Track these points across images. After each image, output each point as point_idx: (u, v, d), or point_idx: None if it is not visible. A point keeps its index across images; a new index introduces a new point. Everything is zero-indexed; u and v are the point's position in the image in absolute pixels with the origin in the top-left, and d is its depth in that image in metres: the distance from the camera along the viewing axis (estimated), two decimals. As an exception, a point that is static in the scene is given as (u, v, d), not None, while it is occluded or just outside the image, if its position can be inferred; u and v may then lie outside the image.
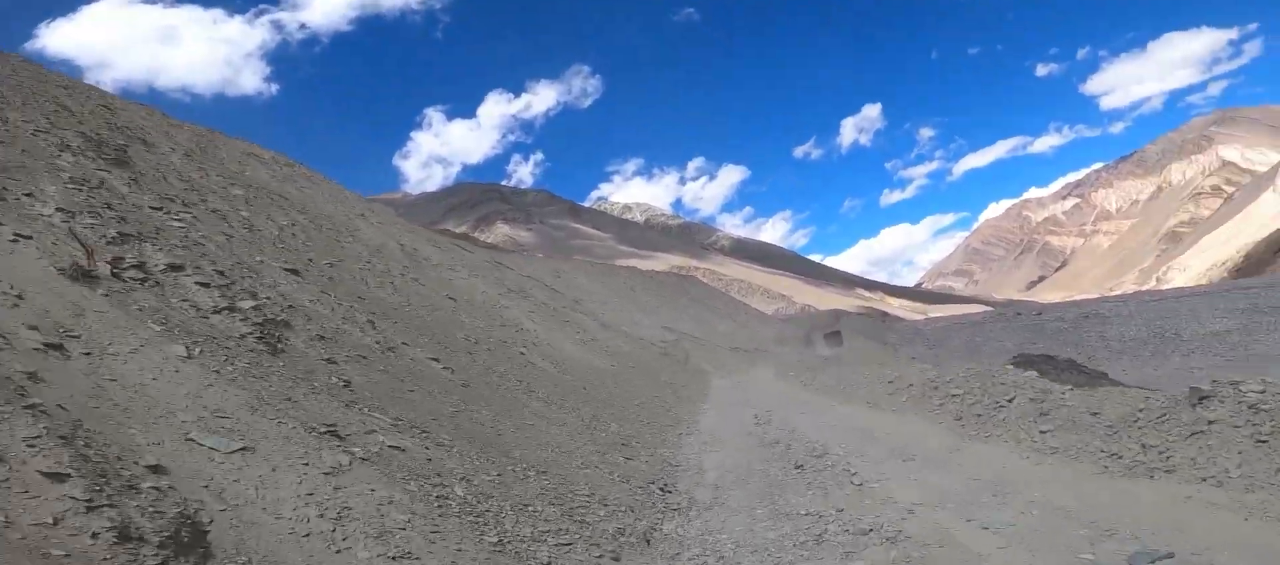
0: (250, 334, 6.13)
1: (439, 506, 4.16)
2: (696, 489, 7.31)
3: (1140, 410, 6.72)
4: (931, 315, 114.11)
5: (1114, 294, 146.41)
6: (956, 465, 6.92)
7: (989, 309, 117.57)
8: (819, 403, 15.67)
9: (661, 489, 7.15)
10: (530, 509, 4.95)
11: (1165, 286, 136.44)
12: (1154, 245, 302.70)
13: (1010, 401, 9.68)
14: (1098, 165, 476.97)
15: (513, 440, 7.08)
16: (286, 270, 9.73)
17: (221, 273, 7.43)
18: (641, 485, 7.11)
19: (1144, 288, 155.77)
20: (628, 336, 36.63)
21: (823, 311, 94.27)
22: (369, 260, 16.08)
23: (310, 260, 12.05)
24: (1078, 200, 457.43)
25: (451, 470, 4.94)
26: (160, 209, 9.06)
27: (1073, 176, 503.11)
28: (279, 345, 6.34)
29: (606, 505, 5.99)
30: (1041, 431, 7.26)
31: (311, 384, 5.80)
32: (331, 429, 4.57)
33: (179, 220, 9.12)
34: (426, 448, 5.25)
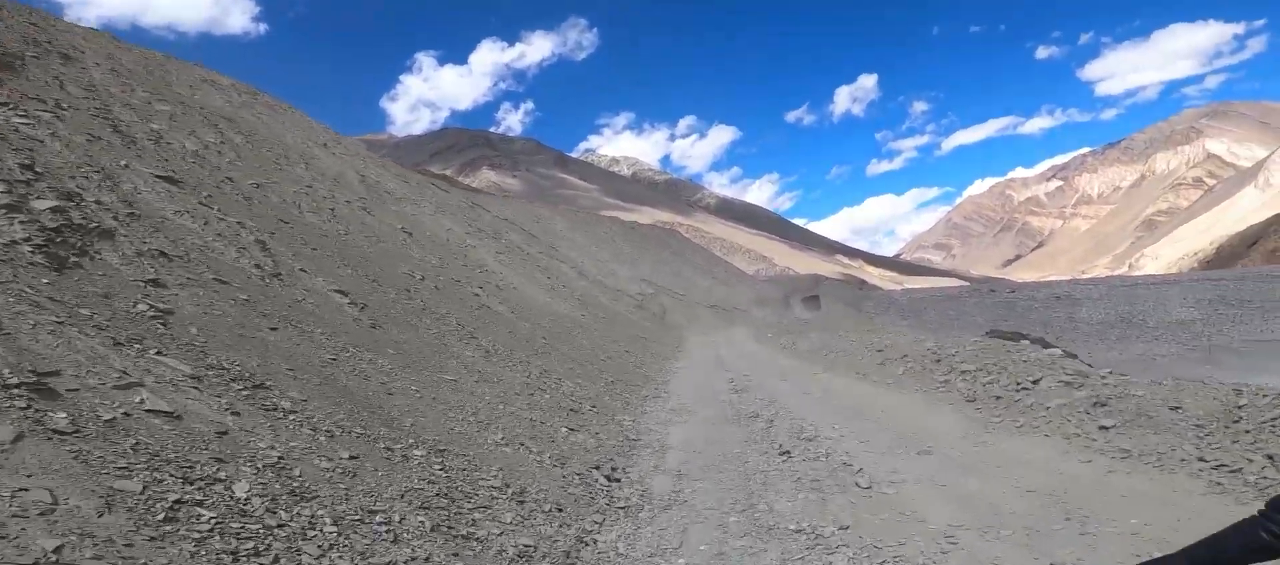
0: (26, 240, 4.26)
1: (166, 519, 2.36)
2: (653, 477, 5.62)
3: (1240, 407, 5.14)
4: (906, 287, 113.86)
5: (1085, 277, 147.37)
6: (992, 466, 5.29)
7: (964, 284, 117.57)
8: (802, 370, 14.16)
9: (607, 477, 5.44)
10: (378, 515, 3.19)
11: (1136, 273, 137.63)
12: (1130, 232, 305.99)
13: (1035, 383, 8.09)
14: (1084, 150, 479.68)
15: (409, 403, 5.27)
16: (158, 177, 7.73)
17: (31, 168, 5.46)
18: (581, 471, 5.39)
19: (1115, 272, 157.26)
20: (604, 287, 34.78)
21: (802, 275, 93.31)
22: (311, 185, 14.14)
23: (229, 179, 10.06)
24: (1061, 183, 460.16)
25: (258, 450, 3.15)
26: (9, 105, 6.99)
27: (1059, 159, 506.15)
28: (72, 258, 4.46)
29: (522, 503, 4.26)
30: (1101, 427, 5.63)
31: (107, 311, 3.96)
32: (42, 380, 2.76)
33: (26, 119, 7.08)
34: (236, 413, 3.43)
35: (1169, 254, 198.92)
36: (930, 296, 60.77)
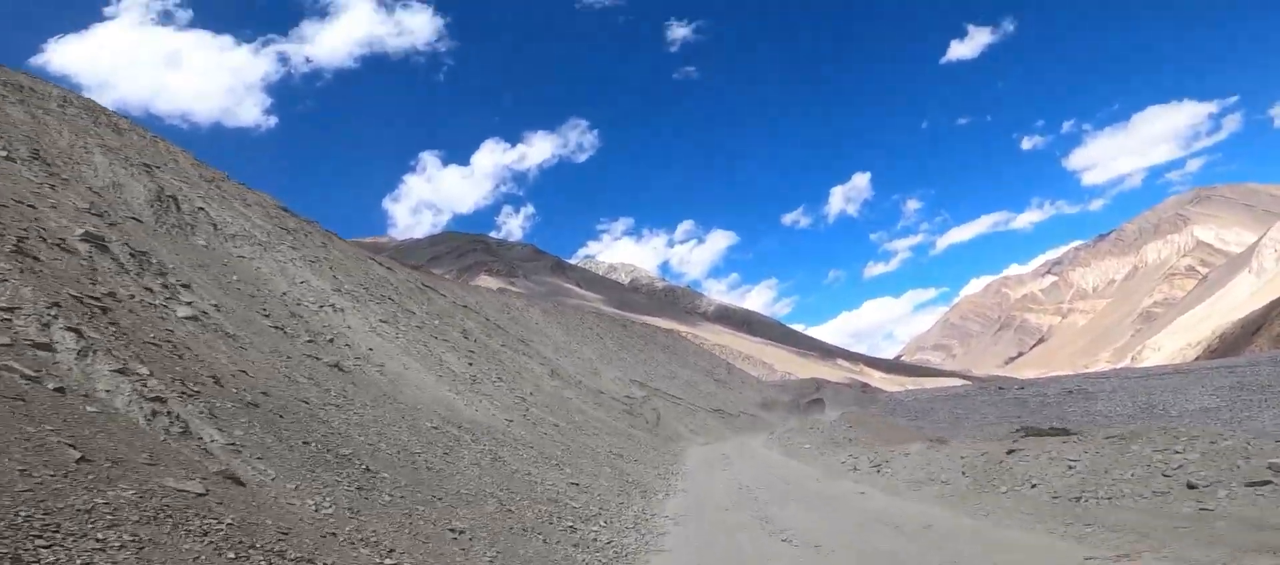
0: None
1: None
2: None
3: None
4: (908, 388, 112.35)
5: (1089, 371, 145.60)
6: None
7: (967, 383, 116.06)
8: (885, 503, 10.64)
9: None
10: None
11: (1141, 365, 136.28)
12: (1129, 325, 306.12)
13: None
14: (1076, 243, 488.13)
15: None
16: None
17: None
18: None
19: (1119, 366, 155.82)
20: (584, 389, 30.38)
21: (804, 380, 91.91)
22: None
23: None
24: (1055, 278, 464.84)
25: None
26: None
27: (1052, 254, 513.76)
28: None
29: None
30: None
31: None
32: None
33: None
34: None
35: (1171, 345, 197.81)
36: (937, 396, 59.61)
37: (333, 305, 16.00)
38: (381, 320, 17.71)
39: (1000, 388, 62.87)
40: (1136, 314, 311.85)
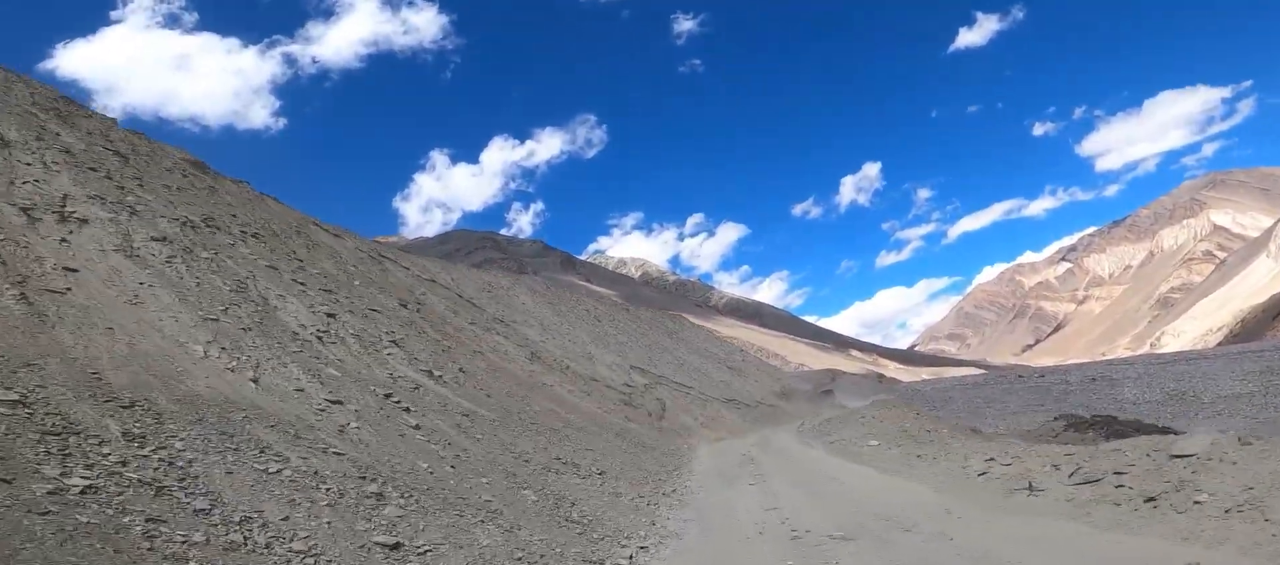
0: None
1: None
2: None
3: None
4: (923, 378, 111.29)
5: (1108, 358, 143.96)
6: None
7: (983, 372, 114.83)
8: (970, 514, 7.92)
9: None
10: None
11: (1162, 351, 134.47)
12: (1146, 311, 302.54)
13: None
14: (1090, 229, 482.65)
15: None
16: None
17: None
18: None
19: (1138, 352, 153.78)
20: (573, 375, 26.74)
21: (820, 371, 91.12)
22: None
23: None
24: (1070, 265, 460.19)
25: None
26: None
27: (1066, 240, 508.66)
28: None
29: None
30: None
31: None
32: None
33: None
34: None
35: (1191, 330, 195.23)
36: (954, 386, 58.73)
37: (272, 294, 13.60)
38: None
39: (1019, 376, 61.94)
40: (1154, 300, 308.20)
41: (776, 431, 26.43)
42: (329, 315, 13.77)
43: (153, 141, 18.55)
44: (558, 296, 52.48)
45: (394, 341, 14.90)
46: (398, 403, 10.86)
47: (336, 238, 24.26)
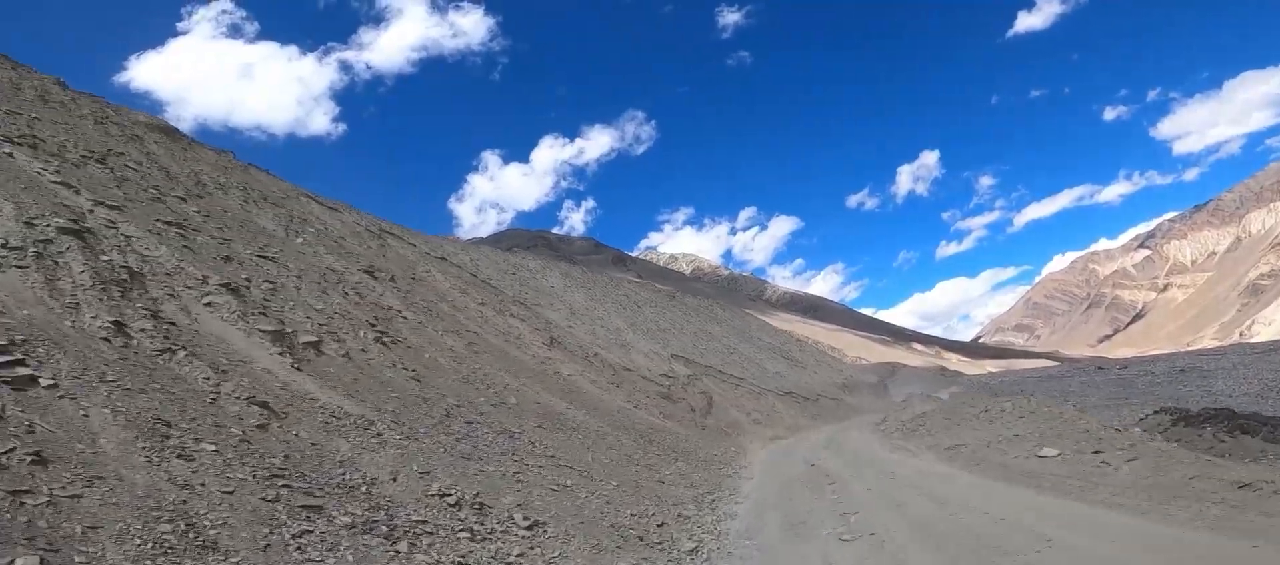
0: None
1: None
2: None
3: None
4: (990, 370, 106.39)
5: (1194, 348, 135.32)
6: None
7: (1056, 364, 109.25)
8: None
9: None
10: None
11: (1254, 341, 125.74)
12: (1234, 299, 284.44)
13: None
14: (1170, 214, 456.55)
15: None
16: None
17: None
18: None
19: (1227, 342, 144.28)
20: (600, 363, 23.90)
21: (881, 364, 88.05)
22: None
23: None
24: (1149, 252, 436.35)
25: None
26: None
27: (1143, 227, 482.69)
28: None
29: None
30: None
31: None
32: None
33: None
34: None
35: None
36: (1025, 379, 55.63)
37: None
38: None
39: (1099, 368, 58.25)
40: (1242, 287, 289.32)
41: (847, 430, 22.41)
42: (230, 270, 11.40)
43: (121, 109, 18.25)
44: (593, 280, 48.94)
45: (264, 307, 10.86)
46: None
47: (332, 211, 23.02)
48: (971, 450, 12.13)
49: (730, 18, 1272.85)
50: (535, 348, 21.10)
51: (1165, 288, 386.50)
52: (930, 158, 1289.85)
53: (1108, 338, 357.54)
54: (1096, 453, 9.73)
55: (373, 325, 13.06)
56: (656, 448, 15.19)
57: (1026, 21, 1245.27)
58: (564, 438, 12.35)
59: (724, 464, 15.88)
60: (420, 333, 15.00)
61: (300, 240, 16.12)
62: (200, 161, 17.94)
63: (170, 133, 18.61)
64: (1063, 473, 9.29)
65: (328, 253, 16.79)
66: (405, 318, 15.34)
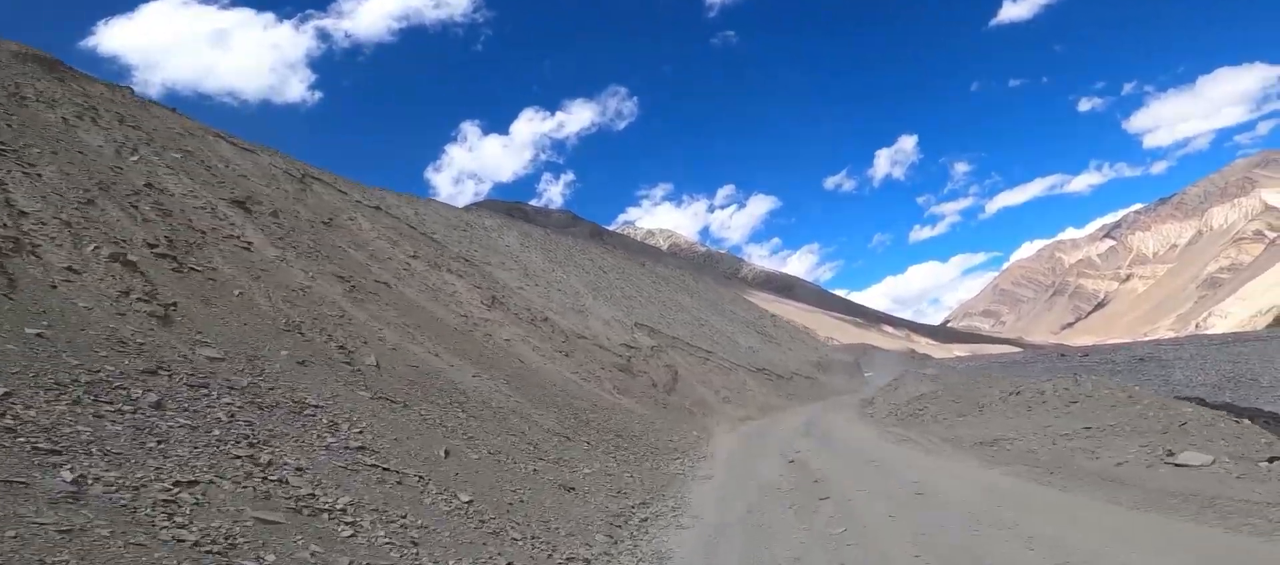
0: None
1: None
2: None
3: None
4: (957, 354, 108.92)
5: (1150, 338, 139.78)
6: None
7: (1019, 351, 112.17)
8: None
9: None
10: None
11: (1209, 332, 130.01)
12: (1192, 291, 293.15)
13: None
14: (1136, 206, 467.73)
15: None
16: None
17: None
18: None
19: (1183, 333, 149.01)
20: (554, 330, 21.87)
21: (853, 345, 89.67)
22: None
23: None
24: (1114, 243, 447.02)
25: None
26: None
27: (1109, 218, 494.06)
28: None
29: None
30: None
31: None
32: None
33: None
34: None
35: (1239, 312, 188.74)
36: (991, 364, 57.00)
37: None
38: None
39: (1062, 355, 59.87)
40: (1201, 280, 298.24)
41: (828, 413, 20.46)
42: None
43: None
44: (555, 242, 44.74)
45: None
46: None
47: (246, 152, 19.92)
48: (1026, 449, 9.05)
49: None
50: (472, 307, 18.92)
51: (1127, 278, 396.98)
52: (908, 143, 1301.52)
53: (1070, 325, 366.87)
54: (1273, 461, 6.73)
55: (154, 246, 9.65)
56: (592, 432, 12.39)
57: (1010, 11, 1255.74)
58: (431, 417, 8.90)
59: (680, 454, 13.13)
60: (267, 271, 11.84)
61: (135, 159, 13.12)
62: (61, 91, 14.38)
63: (50, 65, 16.17)
64: (1236, 496, 6.01)
65: (174, 176, 13.76)
66: (249, 250, 12.27)
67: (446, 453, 7.81)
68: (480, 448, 8.64)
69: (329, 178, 24.52)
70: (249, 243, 12.74)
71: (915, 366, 61.83)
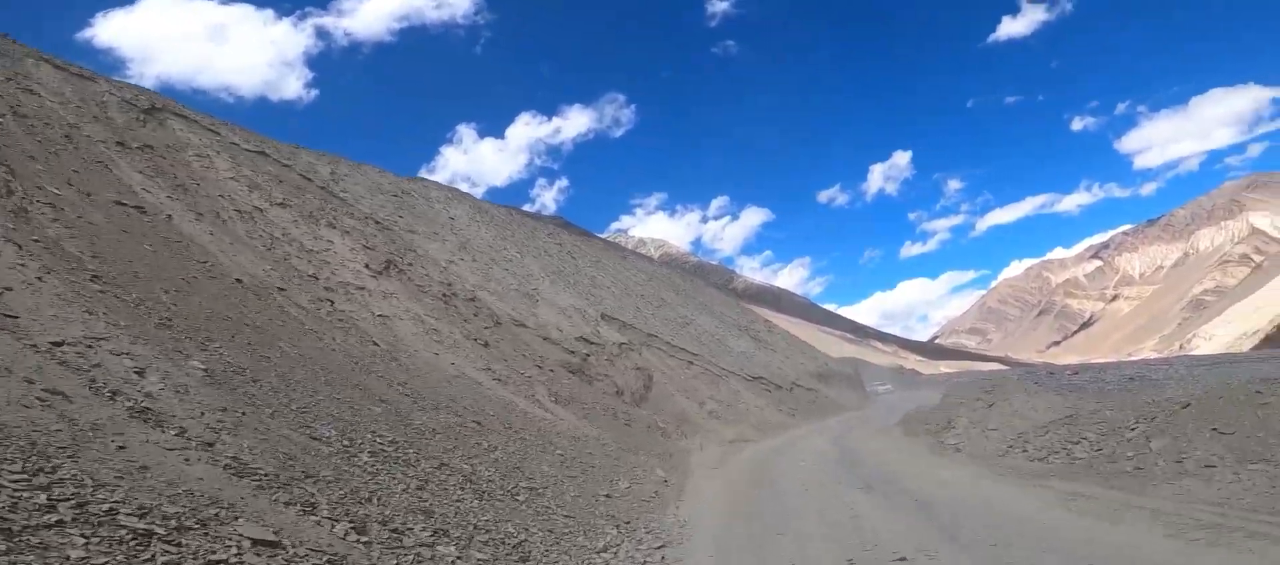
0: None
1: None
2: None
3: None
4: (944, 371, 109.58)
5: (1135, 358, 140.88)
6: None
7: (1005, 369, 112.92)
8: None
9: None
10: None
11: (1195, 353, 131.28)
12: (1177, 312, 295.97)
13: None
14: (1124, 227, 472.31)
15: None
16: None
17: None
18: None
19: (1166, 354, 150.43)
20: (476, 311, 17.95)
21: (843, 359, 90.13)
22: None
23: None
24: (1101, 263, 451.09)
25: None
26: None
27: (1098, 238, 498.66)
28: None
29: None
30: None
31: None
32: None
33: None
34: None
35: (1224, 334, 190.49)
36: (978, 381, 57.40)
37: None
38: None
39: (1050, 373, 60.38)
40: (1186, 301, 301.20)
41: (860, 436, 16.15)
42: None
43: None
44: (514, 221, 37.56)
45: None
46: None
47: (85, 80, 16.41)
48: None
49: (719, 6, 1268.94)
50: (345, 272, 14.86)
51: (1114, 298, 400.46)
52: (902, 158, 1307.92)
53: (1055, 344, 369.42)
54: None
55: None
56: (448, 477, 7.16)
57: (1009, 27, 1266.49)
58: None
59: (625, 529, 7.63)
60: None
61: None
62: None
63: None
64: None
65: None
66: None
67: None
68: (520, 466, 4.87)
69: (202, 119, 19.62)
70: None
71: (912, 382, 62.07)
